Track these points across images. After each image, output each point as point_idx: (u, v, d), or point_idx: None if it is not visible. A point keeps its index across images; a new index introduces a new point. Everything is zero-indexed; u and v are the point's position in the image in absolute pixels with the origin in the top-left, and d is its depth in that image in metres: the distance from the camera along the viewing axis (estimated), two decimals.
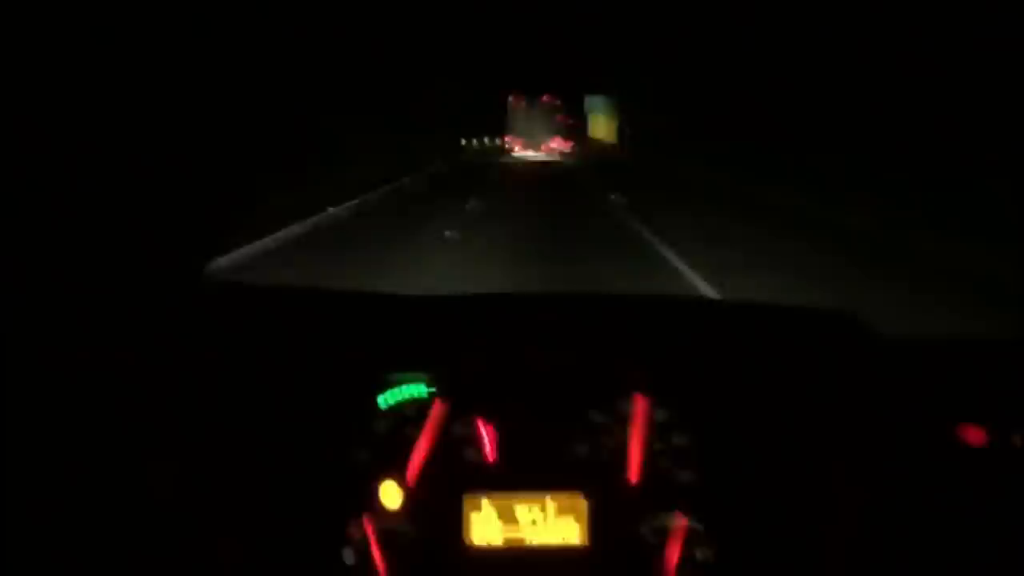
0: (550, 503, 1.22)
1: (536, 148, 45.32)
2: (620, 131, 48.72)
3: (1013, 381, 1.27)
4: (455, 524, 1.22)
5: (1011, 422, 1.19)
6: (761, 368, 1.30)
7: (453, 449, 1.25)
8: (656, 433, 1.25)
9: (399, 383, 1.27)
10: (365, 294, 1.49)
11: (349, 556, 1.21)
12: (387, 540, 1.21)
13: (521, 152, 44.90)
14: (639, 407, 1.26)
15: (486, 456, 1.25)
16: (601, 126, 58.43)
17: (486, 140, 63.72)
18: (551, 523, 1.22)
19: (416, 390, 1.27)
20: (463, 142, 64.40)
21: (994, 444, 1.18)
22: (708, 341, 1.38)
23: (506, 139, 46.72)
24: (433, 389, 1.27)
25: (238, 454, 1.18)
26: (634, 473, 1.22)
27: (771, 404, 1.26)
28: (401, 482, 1.22)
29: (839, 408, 1.25)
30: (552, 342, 1.35)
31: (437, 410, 1.25)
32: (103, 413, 1.12)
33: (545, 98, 47.29)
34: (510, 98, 47.37)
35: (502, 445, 1.25)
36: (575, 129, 69.75)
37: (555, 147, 60.95)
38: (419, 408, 1.26)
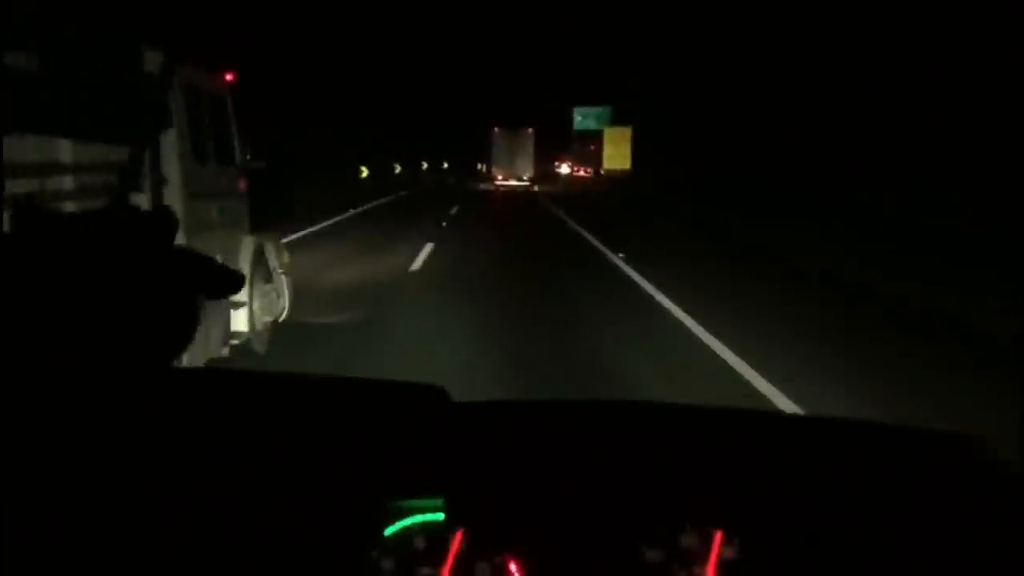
0: None
1: (518, 178, 46.87)
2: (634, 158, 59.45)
3: None
4: None
5: None
6: (855, 497, 1.09)
7: None
8: (725, 573, 1.03)
9: (409, 510, 1.06)
10: (360, 383, 1.29)
11: None
12: None
13: (503, 181, 46.63)
14: (706, 542, 1.04)
15: None
16: (616, 153, 65.63)
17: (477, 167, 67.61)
18: None
19: (429, 517, 1.06)
20: (445, 165, 68.10)
21: None
22: (793, 464, 1.16)
23: (491, 169, 49.03)
24: (448, 517, 1.06)
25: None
26: None
27: (869, 542, 1.04)
28: None
29: (956, 551, 1.02)
30: (597, 458, 1.14)
31: (454, 543, 1.03)
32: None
33: (530, 130, 48.80)
34: (495, 129, 48.99)
35: None
36: (592, 156, 72.10)
37: (566, 172, 67.17)
38: (433, 541, 1.04)
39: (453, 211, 26.34)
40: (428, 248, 15.08)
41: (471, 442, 1.18)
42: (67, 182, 4.20)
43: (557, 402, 1.44)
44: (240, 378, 1.45)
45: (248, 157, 6.69)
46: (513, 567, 1.02)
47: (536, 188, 45.82)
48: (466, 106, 71.56)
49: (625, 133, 67.98)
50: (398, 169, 48.65)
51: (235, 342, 6.06)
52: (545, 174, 63.80)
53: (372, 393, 1.30)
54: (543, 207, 31.42)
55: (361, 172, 32.21)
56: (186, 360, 4.86)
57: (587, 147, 77.69)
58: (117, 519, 0.93)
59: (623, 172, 63.97)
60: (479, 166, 71.67)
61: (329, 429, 1.16)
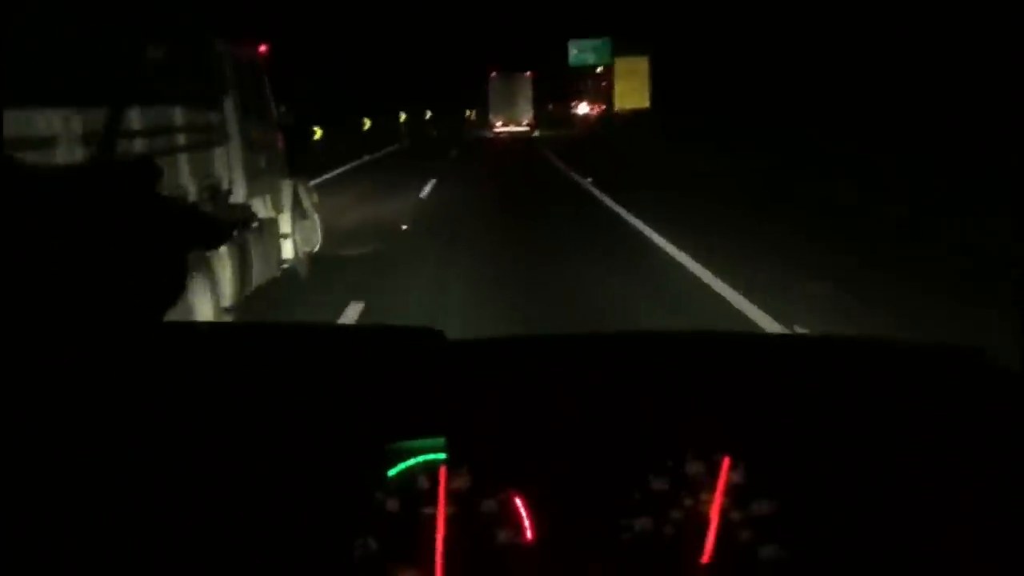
0: None
1: (517, 123, 45.39)
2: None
3: None
4: None
5: None
6: (860, 416, 1.10)
7: (484, 531, 1.01)
8: (732, 500, 1.02)
9: (411, 451, 1.06)
10: (356, 330, 1.32)
11: None
12: None
13: (502, 127, 45.36)
14: (709, 468, 1.03)
15: (524, 537, 1.01)
16: (630, 89, 53.99)
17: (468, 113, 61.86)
18: None
19: (431, 457, 1.06)
20: (428, 115, 59.44)
21: None
22: (795, 384, 1.18)
23: (489, 115, 47.37)
24: (450, 455, 1.05)
25: (220, 547, 0.97)
26: (708, 551, 0.99)
27: (876, 460, 1.04)
28: (422, 574, 0.99)
29: (966, 466, 1.03)
30: (594, 393, 1.14)
31: (458, 481, 1.03)
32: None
33: (528, 73, 46.98)
34: (492, 73, 47.20)
35: (543, 524, 1.01)
36: (604, 93, 62.76)
37: (584, 113, 59.17)
38: (437, 480, 1.03)
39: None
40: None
41: (469, 381, 1.18)
42: (163, 141, 5.54)
43: (553, 337, 1.43)
44: (240, 330, 1.46)
45: (282, 111, 8.03)
46: (518, 502, 1.00)
47: (536, 134, 43.50)
48: (454, 49, 64.25)
49: (639, 64, 54.88)
50: (367, 124, 40.95)
51: (285, 266, 7.48)
52: (556, 119, 59.87)
53: (370, 339, 1.32)
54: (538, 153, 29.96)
55: (315, 133, 27.39)
56: (255, 278, 6.30)
57: (600, 84, 68.17)
58: (116, 473, 0.93)
59: (638, 111, 52.08)
60: (467, 113, 68.14)
61: (329, 376, 1.15)
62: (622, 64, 56.32)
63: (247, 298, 6.18)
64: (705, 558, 0.98)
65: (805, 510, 1.00)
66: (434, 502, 1.00)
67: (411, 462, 1.04)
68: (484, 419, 1.09)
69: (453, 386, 1.16)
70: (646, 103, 53.75)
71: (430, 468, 1.03)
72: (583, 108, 73.43)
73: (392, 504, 1.01)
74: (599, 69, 65.35)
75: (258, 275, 6.42)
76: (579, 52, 60.98)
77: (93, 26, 4.24)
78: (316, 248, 8.54)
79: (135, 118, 4.77)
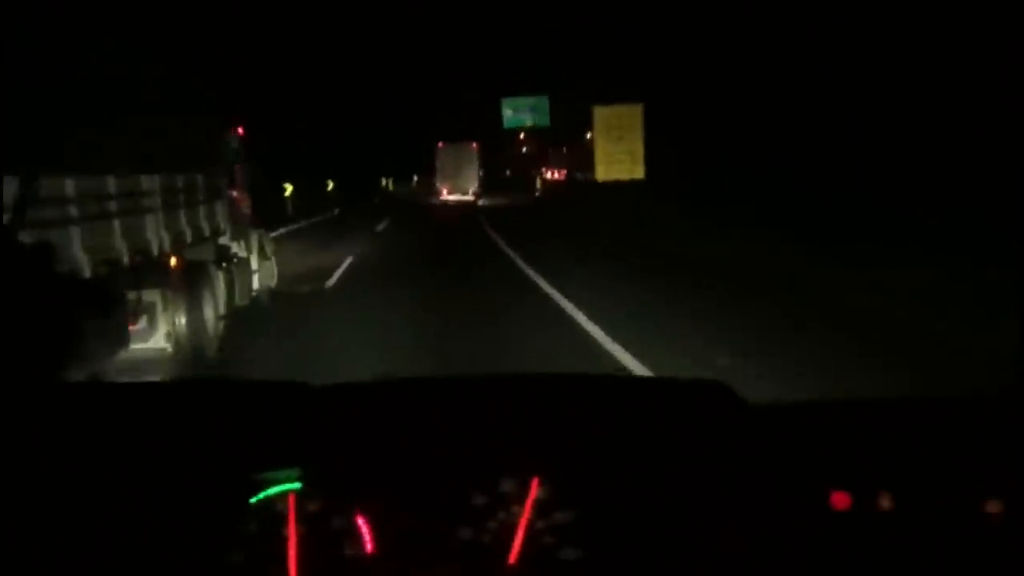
0: None
1: (463, 191, 45.64)
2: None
3: (877, 444, 1.30)
4: None
5: (875, 485, 1.20)
6: (638, 441, 1.33)
7: (331, 545, 1.17)
8: (537, 512, 1.21)
9: (270, 481, 1.22)
10: (231, 384, 1.54)
11: None
12: None
13: (447, 195, 45.63)
14: (520, 486, 1.22)
15: (366, 550, 1.17)
16: (617, 152, 32.33)
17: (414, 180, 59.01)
18: None
19: (286, 486, 1.22)
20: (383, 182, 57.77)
21: (860, 507, 1.20)
22: (584, 417, 1.41)
23: (437, 184, 47.28)
24: (303, 483, 1.22)
25: (112, 555, 1.13)
26: (514, 554, 1.17)
27: (650, 476, 1.25)
28: None
29: (716, 481, 1.25)
30: (427, 426, 1.35)
31: (309, 504, 1.20)
32: None
33: (473, 145, 47.31)
34: (439, 144, 47.66)
35: (382, 537, 1.18)
36: (565, 158, 55.31)
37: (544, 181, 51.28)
38: (291, 504, 1.20)
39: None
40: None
41: (324, 422, 1.39)
42: (190, 197, 7.79)
43: (401, 380, 1.64)
44: (129, 389, 1.74)
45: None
46: (360, 520, 1.19)
47: (481, 203, 42.49)
48: (405, 116, 59.33)
49: (629, 116, 32.96)
50: (330, 186, 42.12)
51: (253, 295, 9.71)
52: (510, 186, 56.62)
53: (244, 391, 1.55)
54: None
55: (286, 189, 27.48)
56: (237, 299, 8.53)
57: (559, 149, 60.89)
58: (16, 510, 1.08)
59: (628, 182, 32.81)
60: (414, 180, 66.22)
61: (205, 424, 1.37)
62: (606, 116, 33.73)
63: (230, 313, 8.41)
64: (512, 559, 1.16)
65: (596, 518, 1.20)
66: (288, 523, 1.18)
67: (270, 491, 1.21)
68: (335, 452, 1.29)
69: (310, 427, 1.36)
70: (639, 172, 32.68)
71: (286, 495, 1.20)
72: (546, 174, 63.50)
73: (253, 526, 1.18)
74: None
75: (239, 297, 8.67)
76: (514, 113, 52.26)
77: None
78: (274, 284, 10.80)
79: (179, 180, 7.13)
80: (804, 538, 1.21)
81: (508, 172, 67.75)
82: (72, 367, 4.17)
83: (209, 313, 7.41)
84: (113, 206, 5.76)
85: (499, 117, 52.19)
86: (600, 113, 33.84)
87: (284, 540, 1.18)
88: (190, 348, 6.55)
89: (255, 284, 9.84)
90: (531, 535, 1.19)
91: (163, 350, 6.10)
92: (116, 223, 5.76)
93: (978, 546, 1.19)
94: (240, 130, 10.10)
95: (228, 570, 1.17)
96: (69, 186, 5.11)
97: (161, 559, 1.16)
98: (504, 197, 46.79)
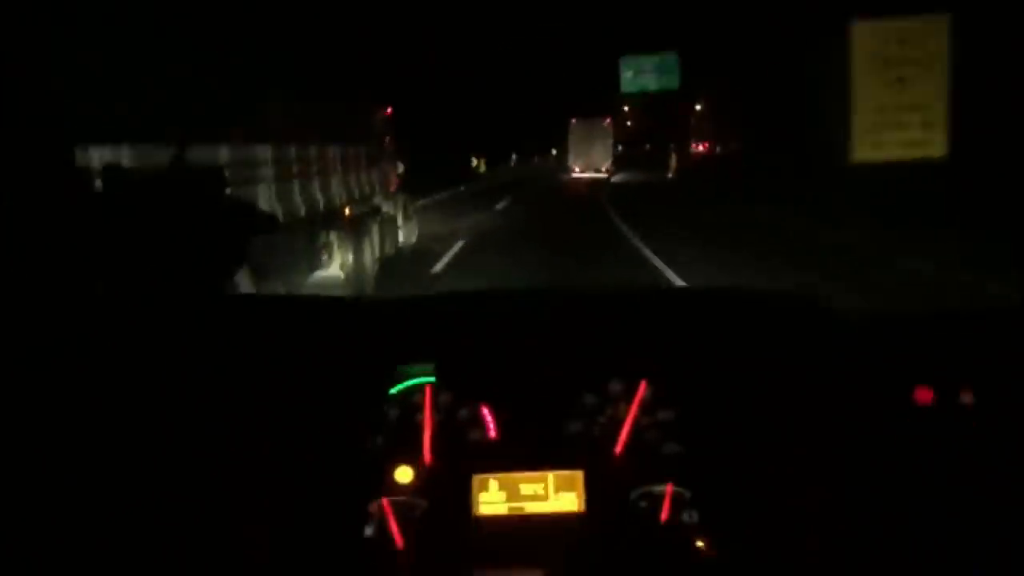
0: (551, 479, 1.28)
1: (595, 168, 44.11)
2: None
3: (959, 346, 1.38)
4: (464, 499, 1.28)
5: (957, 382, 1.28)
6: (733, 347, 1.43)
7: (460, 431, 1.33)
8: (643, 410, 1.32)
9: (408, 374, 1.37)
10: (376, 299, 1.69)
11: (369, 531, 1.25)
12: (403, 516, 1.25)
13: (580, 172, 44.38)
14: (627, 387, 1.34)
15: (490, 436, 1.33)
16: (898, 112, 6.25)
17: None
18: (552, 496, 1.28)
19: (423, 379, 1.37)
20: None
21: (943, 403, 1.27)
22: (685, 327, 1.52)
23: (569, 160, 46.38)
24: (437, 377, 1.37)
25: (265, 445, 1.27)
26: (621, 446, 1.29)
27: (744, 379, 1.35)
28: (414, 464, 1.29)
29: (805, 380, 1.35)
30: (545, 333, 1.49)
31: (442, 395, 1.35)
32: (131, 408, 1.16)
33: (606, 121, 45.85)
34: (572, 120, 46.19)
35: (504, 426, 1.33)
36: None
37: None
38: (428, 396, 1.35)
39: None
40: None
41: (454, 323, 1.55)
42: (361, 163, 10.03)
43: (515, 290, 1.89)
44: (286, 301, 1.98)
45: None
46: (485, 411, 1.35)
47: (614, 179, 40.19)
48: (538, 94, 55.17)
49: (930, 33, 6.55)
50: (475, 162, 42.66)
51: (399, 246, 11.96)
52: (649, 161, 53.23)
53: (380, 304, 1.76)
54: None
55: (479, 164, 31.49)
56: (387, 249, 10.76)
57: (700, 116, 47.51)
58: (178, 413, 1.17)
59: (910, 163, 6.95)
60: (552, 152, 66.23)
61: (350, 325, 1.54)
62: (873, 37, 6.95)
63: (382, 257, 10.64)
64: (618, 450, 1.29)
65: (696, 417, 1.31)
66: (424, 410, 1.33)
67: (409, 383, 1.37)
68: (463, 351, 1.43)
69: (441, 328, 1.52)
70: (938, 146, 6.87)
71: (422, 388, 1.36)
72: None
73: (393, 412, 1.35)
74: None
75: (388, 247, 10.90)
76: (634, 75, 39.99)
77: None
78: (414, 240, 13.07)
79: (349, 151, 9.36)
80: (891, 430, 1.27)
81: (647, 146, 64.45)
82: (275, 283, 6.12)
83: (368, 256, 9.62)
84: (314, 168, 8.06)
85: (616, 81, 40.25)
86: (865, 32, 7.69)
87: (420, 427, 1.32)
88: (355, 280, 8.76)
89: (400, 238, 12.09)
90: (636, 430, 1.30)
91: (337, 277, 8.31)
92: (315, 181, 8.06)
93: None
94: (389, 112, 12.33)
95: (371, 451, 1.31)
96: (290, 151, 7.39)
97: (316, 441, 1.31)
98: (641, 173, 45.21)
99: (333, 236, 8.23)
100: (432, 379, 1.37)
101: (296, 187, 7.44)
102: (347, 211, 8.90)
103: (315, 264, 7.82)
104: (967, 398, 1.27)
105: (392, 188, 11.94)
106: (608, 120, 46.44)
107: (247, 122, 6.35)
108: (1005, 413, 1.25)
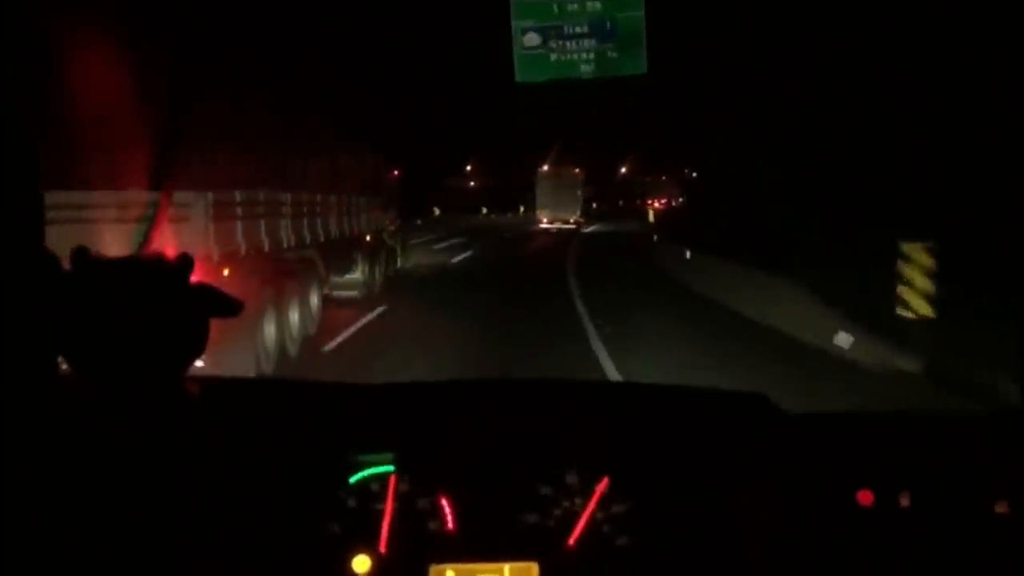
0: (507, 570, 1.31)
1: (563, 220, 42.51)
2: None
3: (899, 450, 1.41)
4: None
5: (896, 486, 1.32)
6: (686, 444, 1.46)
7: (418, 521, 1.34)
8: (599, 503, 1.34)
9: (368, 463, 1.37)
10: (336, 385, 1.64)
11: None
12: None
13: (548, 224, 42.59)
14: (582, 480, 1.36)
15: (448, 527, 1.33)
16: None
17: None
18: None
19: (382, 468, 1.37)
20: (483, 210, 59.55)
21: (883, 505, 1.31)
22: (639, 422, 1.53)
23: (536, 211, 44.71)
24: (397, 467, 1.37)
25: (222, 530, 1.22)
26: (575, 538, 1.32)
27: (696, 476, 1.38)
28: (372, 553, 1.31)
29: (754, 478, 1.38)
30: (503, 424, 1.49)
31: (401, 485, 1.35)
32: (84, 490, 1.03)
33: (576, 170, 44.66)
34: (540, 168, 44.75)
35: (462, 516, 1.34)
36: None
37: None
38: (386, 485, 1.35)
39: None
40: None
41: (412, 414, 1.55)
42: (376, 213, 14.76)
43: (475, 381, 1.86)
44: (247, 385, 1.94)
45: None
46: (444, 501, 1.36)
47: (584, 230, 40.37)
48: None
49: None
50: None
51: (396, 268, 16.53)
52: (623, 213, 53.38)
53: (341, 390, 1.68)
54: None
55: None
56: (388, 270, 15.45)
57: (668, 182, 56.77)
58: (127, 503, 1.06)
59: None
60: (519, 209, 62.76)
61: (310, 412, 1.52)
62: None
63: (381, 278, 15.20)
64: (572, 541, 1.32)
65: (649, 511, 1.34)
66: (383, 500, 1.34)
67: (367, 472, 1.36)
68: (422, 442, 1.44)
69: (399, 418, 1.51)
70: None
71: (381, 477, 1.36)
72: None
73: (352, 501, 1.35)
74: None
75: (389, 269, 15.53)
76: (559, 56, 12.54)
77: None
78: (409, 265, 17.78)
79: (370, 200, 14.12)
80: (833, 530, 1.33)
81: (621, 202, 67.17)
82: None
83: (377, 271, 14.22)
84: (352, 209, 12.82)
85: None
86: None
87: (378, 514, 1.35)
88: (368, 283, 13.28)
89: (398, 264, 16.77)
90: (591, 523, 1.35)
91: (358, 279, 12.93)
92: (352, 218, 12.68)
93: (986, 541, 1.30)
94: (396, 173, 17.10)
95: (329, 539, 1.33)
96: (332, 199, 12.03)
97: (273, 528, 1.32)
98: (613, 223, 44.98)
99: (358, 254, 12.89)
100: (392, 468, 1.38)
101: (344, 221, 12.18)
102: (368, 238, 13.57)
103: (346, 268, 12.43)
104: (905, 501, 1.33)
105: (394, 228, 16.65)
106: (578, 170, 44.80)
107: (314, 178, 10.97)
108: (940, 515, 1.32)
